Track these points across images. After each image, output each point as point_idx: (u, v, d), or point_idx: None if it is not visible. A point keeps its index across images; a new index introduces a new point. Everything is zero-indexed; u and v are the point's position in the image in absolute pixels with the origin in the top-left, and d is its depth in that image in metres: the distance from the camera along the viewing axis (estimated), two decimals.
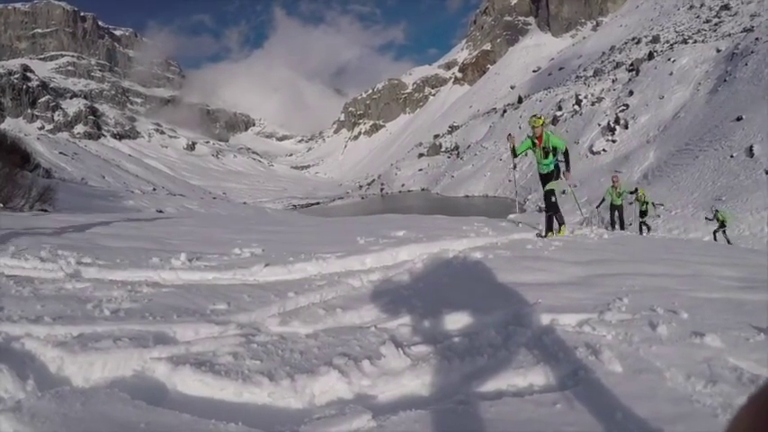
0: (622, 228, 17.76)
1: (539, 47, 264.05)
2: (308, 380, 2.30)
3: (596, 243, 7.65)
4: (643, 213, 20.18)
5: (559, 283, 4.23)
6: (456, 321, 3.12)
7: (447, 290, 3.99)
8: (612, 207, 18.00)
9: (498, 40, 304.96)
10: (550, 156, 8.69)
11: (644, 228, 20.32)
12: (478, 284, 4.25)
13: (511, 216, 12.79)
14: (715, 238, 22.77)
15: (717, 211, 23.87)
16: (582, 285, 4.17)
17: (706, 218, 25.75)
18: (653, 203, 21.11)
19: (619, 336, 2.82)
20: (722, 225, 22.80)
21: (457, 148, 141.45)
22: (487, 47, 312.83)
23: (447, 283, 4.22)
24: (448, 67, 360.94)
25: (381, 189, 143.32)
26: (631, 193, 19.60)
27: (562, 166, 8.88)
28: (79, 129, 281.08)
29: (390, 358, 2.52)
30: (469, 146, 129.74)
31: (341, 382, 2.32)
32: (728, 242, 22.18)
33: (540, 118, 8.67)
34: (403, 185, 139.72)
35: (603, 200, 18.59)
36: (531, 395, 2.19)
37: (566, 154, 8.75)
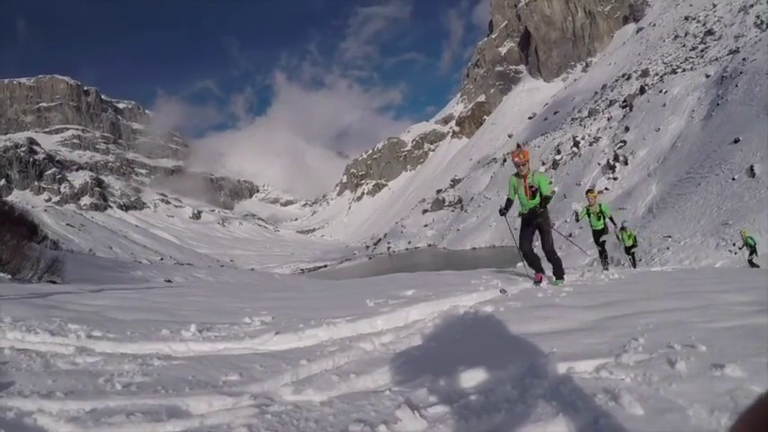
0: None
1: (532, 93, 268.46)
2: None
3: (607, 284, 7.62)
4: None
5: (573, 330, 4.19)
6: (471, 379, 3.08)
7: (460, 347, 3.96)
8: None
9: (492, 91, 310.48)
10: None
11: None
12: (491, 339, 4.22)
13: (519, 265, 12.71)
14: (634, 265, 18.44)
15: (623, 227, 18.55)
16: (596, 329, 4.12)
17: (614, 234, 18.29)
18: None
19: (637, 377, 2.78)
20: (633, 245, 18.43)
21: (460, 201, 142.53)
22: (482, 98, 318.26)
23: (460, 340, 4.19)
24: (445, 121, 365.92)
25: (388, 248, 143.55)
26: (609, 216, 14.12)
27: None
28: (85, 200, 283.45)
29: (407, 421, 2.48)
30: (472, 198, 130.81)
31: None
32: (634, 264, 18.68)
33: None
34: (409, 243, 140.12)
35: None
36: None
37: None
